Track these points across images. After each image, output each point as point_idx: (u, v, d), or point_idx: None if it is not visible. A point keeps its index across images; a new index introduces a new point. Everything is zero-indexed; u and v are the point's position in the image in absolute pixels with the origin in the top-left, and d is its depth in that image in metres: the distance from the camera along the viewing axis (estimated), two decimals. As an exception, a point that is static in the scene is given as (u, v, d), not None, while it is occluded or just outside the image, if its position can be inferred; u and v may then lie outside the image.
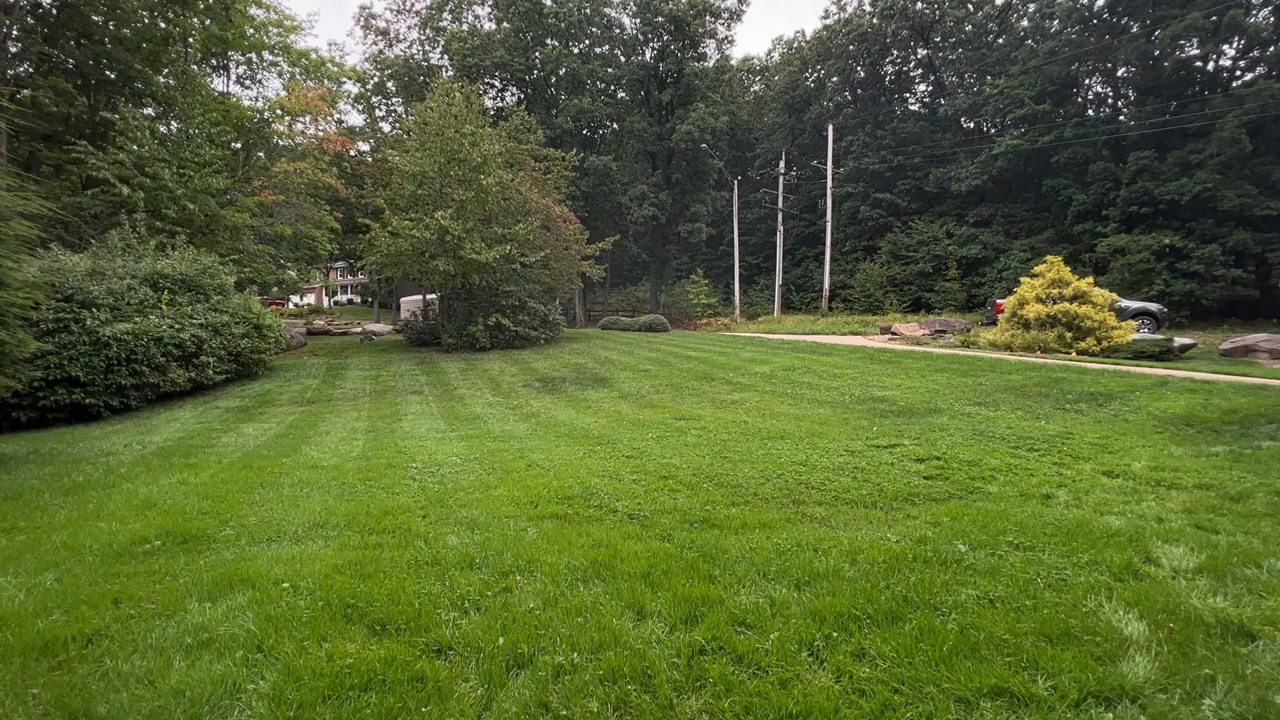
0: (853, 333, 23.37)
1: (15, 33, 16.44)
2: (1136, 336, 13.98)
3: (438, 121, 18.20)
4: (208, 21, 19.60)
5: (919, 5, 36.80)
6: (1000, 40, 35.54)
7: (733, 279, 38.94)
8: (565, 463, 6.30)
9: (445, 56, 37.02)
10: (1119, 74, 30.44)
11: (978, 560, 3.44)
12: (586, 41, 38.32)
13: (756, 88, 52.08)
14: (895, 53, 40.40)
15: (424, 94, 24.02)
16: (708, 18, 37.07)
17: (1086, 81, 31.86)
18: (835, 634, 2.70)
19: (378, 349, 19.78)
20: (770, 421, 8.38)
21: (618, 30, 39.08)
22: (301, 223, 22.40)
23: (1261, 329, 20.51)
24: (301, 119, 23.57)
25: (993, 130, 35.47)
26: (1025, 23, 33.93)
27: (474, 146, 17.88)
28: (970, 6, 36.37)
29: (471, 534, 4.12)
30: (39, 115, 16.38)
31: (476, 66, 33.74)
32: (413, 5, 39.12)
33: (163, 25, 18.47)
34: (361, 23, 39.52)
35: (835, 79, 41.89)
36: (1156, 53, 26.96)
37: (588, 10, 36.81)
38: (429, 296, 23.16)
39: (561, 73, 36.55)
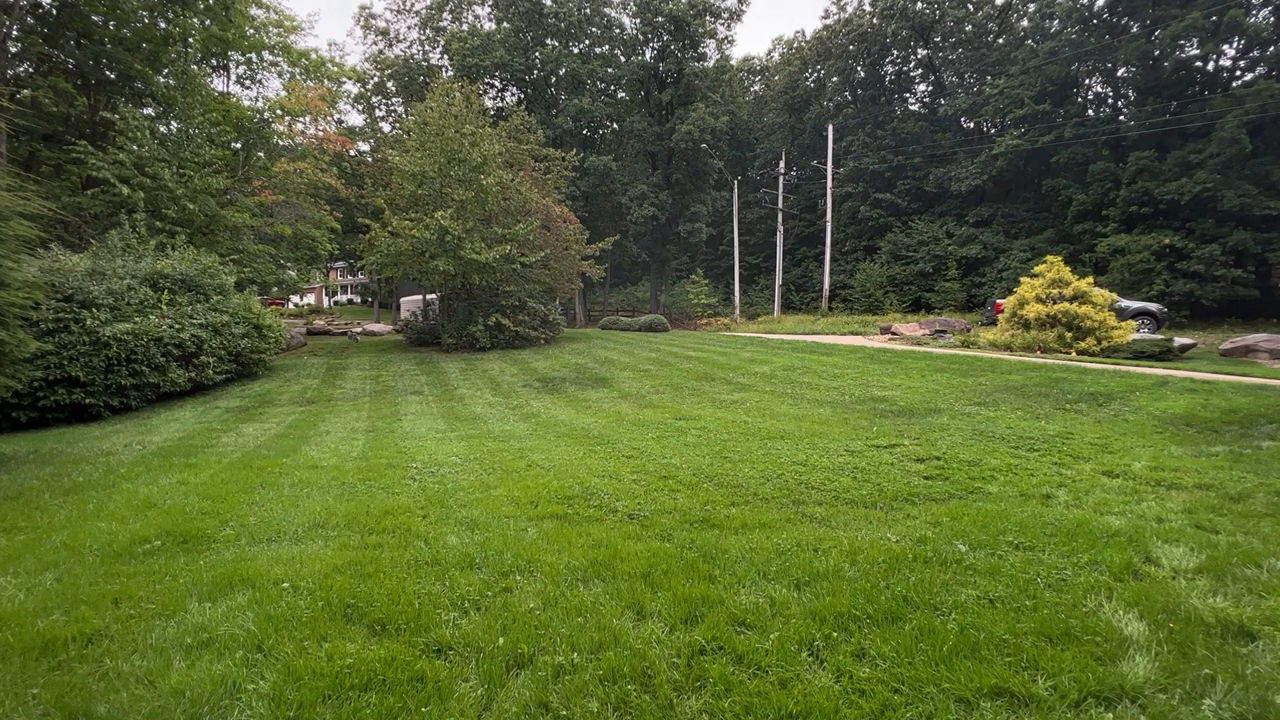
0: (853, 333, 23.37)
1: (15, 33, 16.44)
2: (1136, 336, 13.98)
3: (438, 121, 18.20)
4: (208, 21, 19.60)
5: (919, 5, 36.79)
6: (1000, 40, 35.54)
7: (733, 279, 38.94)
8: (565, 463, 6.29)
9: (445, 56, 37.03)
10: (1119, 74, 30.45)
11: (978, 560, 3.44)
12: (586, 41, 38.32)
13: (756, 88, 52.07)
14: (895, 53, 40.40)
15: (424, 94, 24.01)
16: (708, 18, 37.07)
17: (1086, 81, 31.85)
18: (835, 634, 2.70)
19: (378, 349, 19.78)
20: (770, 421, 8.38)
21: (618, 30, 39.08)
22: (301, 223, 22.40)
23: (1261, 329, 20.51)
24: (301, 119, 23.59)
25: (993, 130, 35.47)
26: (1025, 23, 33.93)
27: (474, 146, 17.88)
28: (970, 6, 36.36)
29: (471, 534, 4.11)
30: (39, 115, 16.38)
31: (476, 66, 33.74)
32: (413, 5, 39.15)
33: (163, 25, 18.47)
34: (361, 23, 39.56)
35: (835, 79, 41.89)
36: (1156, 53, 26.96)
37: (588, 10, 36.80)
38: (429, 296, 23.16)
39: (561, 73, 36.55)
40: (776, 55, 50.70)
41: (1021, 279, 15.58)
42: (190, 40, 19.58)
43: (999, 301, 18.50)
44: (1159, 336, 14.25)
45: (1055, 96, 30.67)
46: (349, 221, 27.17)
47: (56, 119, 17.47)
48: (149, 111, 19.63)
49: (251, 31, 21.46)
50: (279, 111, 22.54)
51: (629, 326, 26.09)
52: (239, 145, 22.25)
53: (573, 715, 2.24)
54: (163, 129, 18.40)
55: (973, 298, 31.35)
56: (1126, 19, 28.02)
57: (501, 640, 2.68)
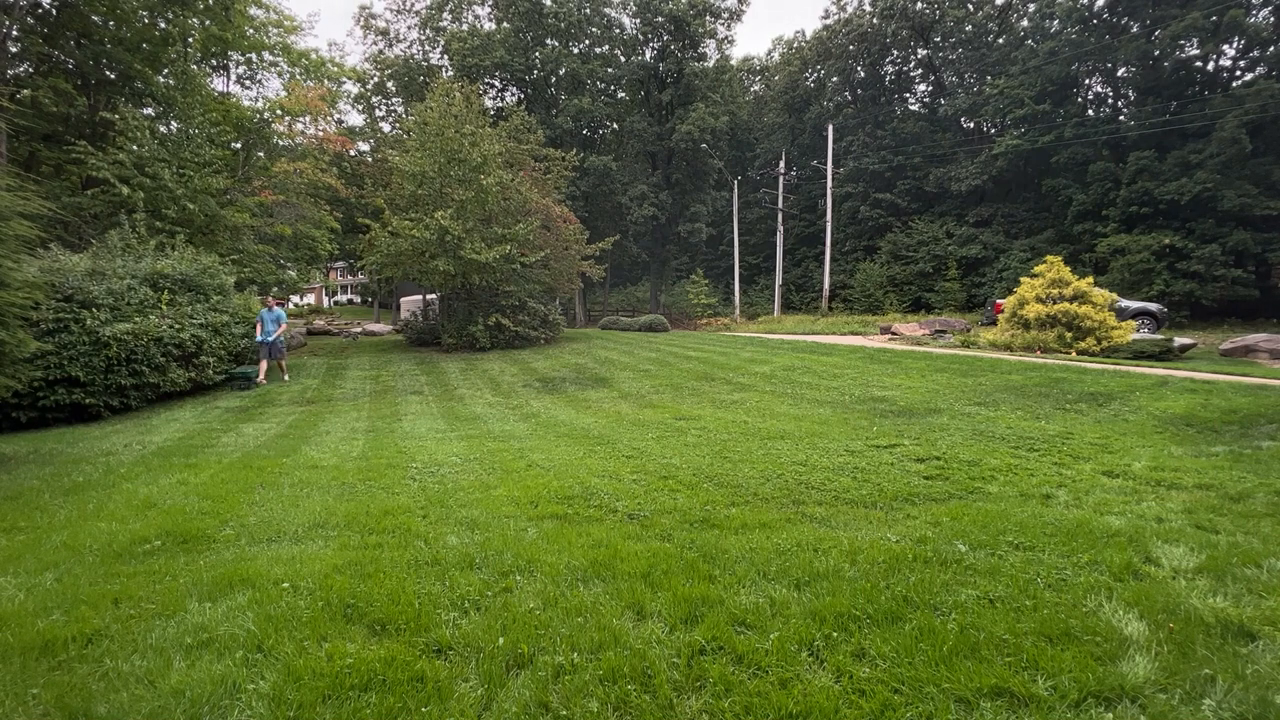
0: (853, 333, 23.37)
1: (15, 33, 16.44)
2: (1136, 336, 13.98)
3: (438, 121, 18.19)
4: (207, 22, 19.59)
5: (919, 5, 36.79)
6: (1000, 40, 35.54)
7: (733, 279, 38.94)
8: (565, 463, 6.29)
9: (445, 56, 37.03)
10: (1119, 74, 30.46)
11: (978, 560, 3.44)
12: (586, 41, 38.31)
13: (756, 88, 52.07)
14: (895, 53, 40.39)
15: (424, 94, 24.01)
16: (708, 18, 37.07)
17: (1086, 81, 31.86)
18: (835, 634, 2.69)
19: (378, 349, 19.77)
20: (770, 421, 8.38)
21: (617, 30, 39.08)
22: (301, 223, 22.39)
23: (1261, 329, 20.51)
24: (301, 119, 23.56)
25: (993, 130, 35.47)
26: (1025, 23, 33.93)
27: (474, 146, 17.87)
28: (970, 6, 36.36)
29: (471, 534, 4.11)
30: (39, 115, 16.37)
31: (476, 66, 33.74)
32: (413, 5, 39.15)
33: (162, 25, 18.45)
34: (361, 23, 39.56)
35: (835, 79, 41.89)
36: (1156, 53, 26.97)
37: (588, 10, 36.80)
38: (429, 296, 23.15)
39: (561, 73, 36.54)
40: (776, 55, 50.73)
41: (1021, 279, 15.58)
42: (190, 40, 19.58)
43: (999, 301, 18.51)
44: (1159, 336, 14.25)
45: (1055, 96, 30.67)
46: (349, 221, 27.15)
47: (56, 119, 17.46)
48: (149, 111, 19.62)
49: (251, 31, 21.45)
50: (279, 111, 22.53)
51: (629, 326, 26.09)
52: (239, 145, 22.24)
53: (573, 715, 2.24)
54: (163, 129, 18.39)
55: (973, 298, 31.35)
56: (1126, 19, 28.03)
57: (501, 640, 2.68)
